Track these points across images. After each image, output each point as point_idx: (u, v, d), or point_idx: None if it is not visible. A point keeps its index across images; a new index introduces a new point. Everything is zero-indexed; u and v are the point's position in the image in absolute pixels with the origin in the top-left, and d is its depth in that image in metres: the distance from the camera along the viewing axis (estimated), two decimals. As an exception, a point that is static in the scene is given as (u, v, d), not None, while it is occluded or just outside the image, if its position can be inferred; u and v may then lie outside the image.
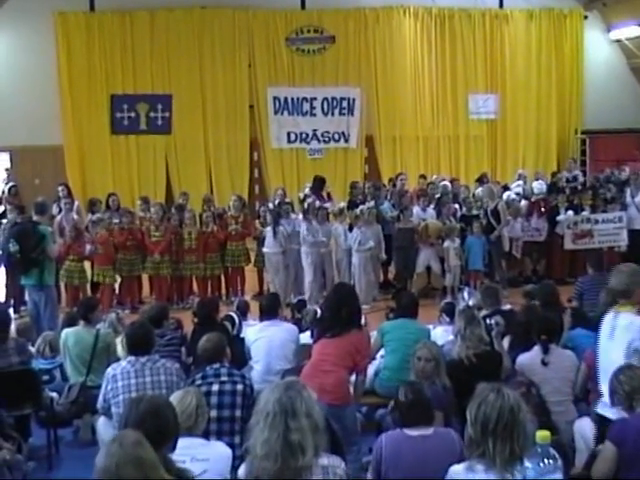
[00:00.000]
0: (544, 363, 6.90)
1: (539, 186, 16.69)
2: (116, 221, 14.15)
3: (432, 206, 15.26)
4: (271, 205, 15.27)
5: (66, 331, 8.55)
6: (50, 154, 20.33)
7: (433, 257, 14.44)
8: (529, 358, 7.05)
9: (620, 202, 15.71)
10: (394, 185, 16.87)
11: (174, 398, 5.14)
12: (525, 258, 15.71)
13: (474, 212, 14.98)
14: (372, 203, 14.91)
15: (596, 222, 15.22)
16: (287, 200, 15.69)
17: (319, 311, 10.26)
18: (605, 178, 18.53)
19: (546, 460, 3.72)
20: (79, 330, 8.50)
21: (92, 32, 20.52)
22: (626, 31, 22.67)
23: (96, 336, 8.38)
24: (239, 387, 6.29)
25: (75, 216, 14.38)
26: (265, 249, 14.28)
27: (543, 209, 15.68)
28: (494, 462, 3.90)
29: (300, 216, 14.50)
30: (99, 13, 20.63)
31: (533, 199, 16.08)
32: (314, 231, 13.90)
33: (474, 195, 16.10)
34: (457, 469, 4.16)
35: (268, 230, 14.19)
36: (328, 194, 16.24)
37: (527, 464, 3.80)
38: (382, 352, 8.22)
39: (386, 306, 11.55)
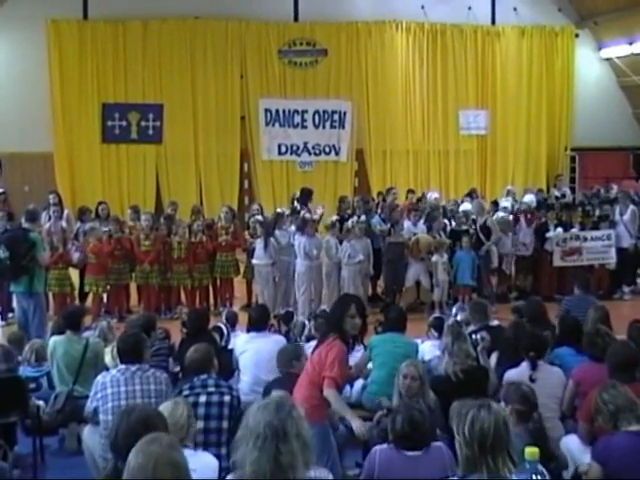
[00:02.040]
0: (532, 379, 6.87)
1: (529, 199, 16.75)
2: (105, 229, 14.08)
3: (423, 220, 15.27)
4: (260, 217, 15.14)
5: (54, 339, 8.47)
6: (40, 161, 20.28)
7: (423, 272, 14.41)
8: (517, 374, 7.02)
9: (609, 220, 15.79)
10: (384, 199, 16.88)
11: (164, 409, 5.12)
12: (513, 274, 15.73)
13: (463, 227, 14.99)
14: (363, 217, 14.90)
15: (585, 239, 15.30)
16: (287, 210, 15.64)
17: (307, 323, 10.31)
18: (592, 195, 18.62)
19: (534, 476, 3.73)
20: (68, 339, 8.40)
21: (85, 40, 20.52)
22: (617, 50, 22.88)
23: (85, 345, 8.31)
24: (226, 398, 6.25)
25: (64, 224, 14.33)
26: (255, 261, 14.20)
27: (530, 219, 15.66)
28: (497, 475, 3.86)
29: (292, 228, 14.47)
30: (92, 21, 20.64)
31: (522, 208, 16.10)
32: (312, 245, 13.89)
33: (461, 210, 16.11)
34: None
35: (259, 242, 14.11)
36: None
37: (515, 480, 3.79)
38: (370, 366, 8.20)
39: (375, 320, 11.52)
